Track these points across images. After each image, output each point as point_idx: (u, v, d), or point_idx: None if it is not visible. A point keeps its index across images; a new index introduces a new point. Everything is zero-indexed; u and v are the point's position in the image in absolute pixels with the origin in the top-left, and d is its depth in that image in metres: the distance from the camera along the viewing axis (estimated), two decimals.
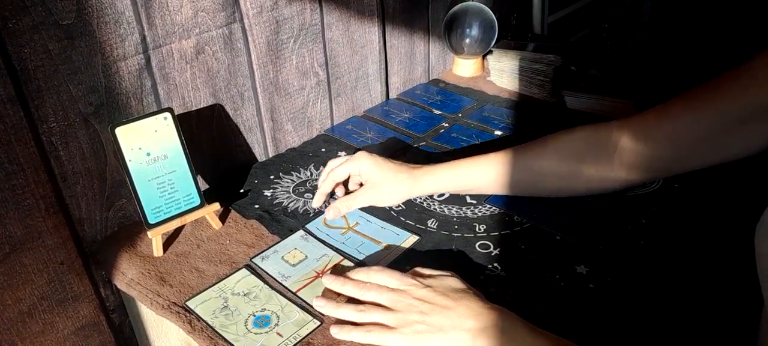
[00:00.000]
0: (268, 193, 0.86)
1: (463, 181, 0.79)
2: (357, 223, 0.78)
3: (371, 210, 0.80)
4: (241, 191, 0.86)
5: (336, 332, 0.60)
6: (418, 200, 0.83)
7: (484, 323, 0.56)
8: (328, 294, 0.65)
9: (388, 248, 0.73)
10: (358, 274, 0.64)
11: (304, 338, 0.61)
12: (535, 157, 0.75)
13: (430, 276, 0.63)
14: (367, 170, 0.79)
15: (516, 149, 0.76)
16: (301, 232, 0.76)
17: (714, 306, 0.63)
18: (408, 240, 0.74)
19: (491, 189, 0.79)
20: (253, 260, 0.72)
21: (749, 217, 0.70)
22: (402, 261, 0.70)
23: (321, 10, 0.96)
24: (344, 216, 0.80)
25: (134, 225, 0.79)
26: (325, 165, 0.85)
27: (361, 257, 0.71)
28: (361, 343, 0.59)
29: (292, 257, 0.72)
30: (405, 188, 0.79)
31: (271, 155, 0.97)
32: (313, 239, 0.75)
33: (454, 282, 0.61)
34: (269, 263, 0.71)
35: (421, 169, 0.79)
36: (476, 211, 0.80)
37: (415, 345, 0.57)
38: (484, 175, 0.78)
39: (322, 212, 0.80)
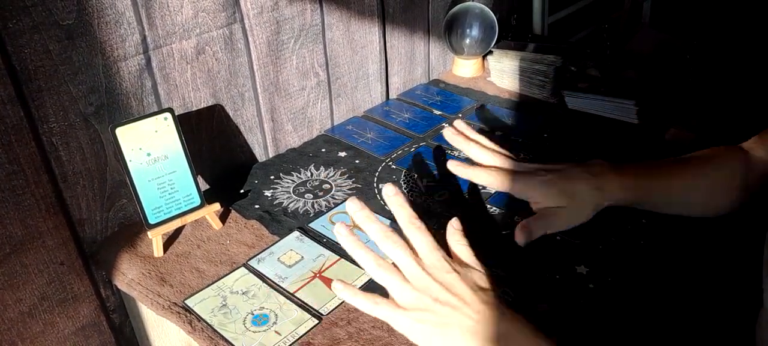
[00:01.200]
0: (268, 193, 0.86)
1: (654, 191, 0.71)
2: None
3: (375, 209, 0.80)
4: (242, 191, 0.87)
5: (339, 288, 0.57)
6: (418, 200, 0.83)
7: (489, 333, 0.52)
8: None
9: None
10: (400, 213, 0.59)
11: (302, 336, 0.61)
12: (712, 171, 0.71)
13: (460, 262, 0.58)
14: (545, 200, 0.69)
15: (691, 162, 0.72)
16: (296, 232, 0.76)
17: (714, 306, 0.63)
18: None
19: (679, 207, 0.72)
20: (249, 262, 0.72)
21: (748, 217, 0.70)
22: None
23: (321, 10, 0.96)
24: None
25: (134, 225, 0.79)
26: (325, 165, 0.85)
27: None
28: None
29: (287, 258, 0.72)
30: (590, 204, 0.69)
31: (271, 156, 0.97)
32: (308, 239, 0.75)
33: (481, 279, 0.56)
34: (265, 265, 0.71)
35: (606, 176, 0.70)
36: (476, 211, 0.80)
37: (416, 334, 0.54)
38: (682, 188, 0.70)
39: (324, 213, 0.80)
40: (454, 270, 0.55)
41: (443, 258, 0.57)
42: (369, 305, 0.56)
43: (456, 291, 0.54)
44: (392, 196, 0.60)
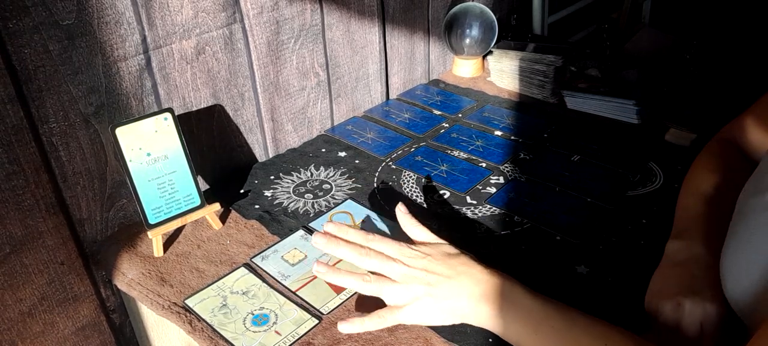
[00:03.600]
0: (268, 193, 0.86)
1: None
2: (363, 221, 0.78)
3: (376, 209, 0.81)
4: (242, 191, 0.87)
5: (346, 328, 0.60)
6: (418, 200, 0.83)
7: (485, 289, 0.58)
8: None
9: None
10: (356, 236, 0.64)
11: (302, 336, 0.61)
12: None
13: (423, 244, 0.64)
14: None
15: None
16: (301, 231, 0.76)
17: None
18: None
19: None
20: (252, 259, 0.72)
21: None
22: None
23: (321, 10, 0.96)
24: (350, 213, 0.80)
25: (134, 225, 0.79)
26: (325, 165, 0.84)
27: None
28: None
29: (291, 256, 0.72)
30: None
31: (271, 156, 0.97)
32: None
33: (449, 248, 0.63)
34: (269, 262, 0.71)
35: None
36: (476, 211, 0.80)
37: (427, 317, 0.59)
38: None
39: (325, 213, 0.80)
40: (425, 253, 0.61)
41: (411, 248, 0.62)
42: (377, 322, 0.60)
43: (439, 269, 0.60)
44: (336, 230, 0.65)
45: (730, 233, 0.56)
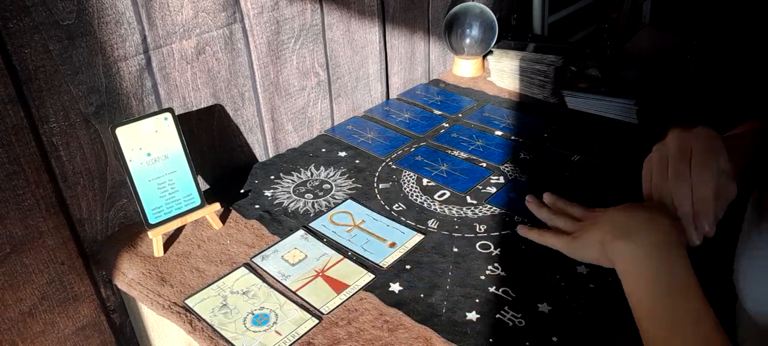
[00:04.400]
0: (268, 193, 0.86)
1: None
2: (363, 220, 0.78)
3: (375, 209, 0.81)
4: (242, 191, 0.87)
5: (524, 231, 0.70)
6: (418, 200, 0.83)
7: (656, 236, 0.55)
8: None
9: (393, 245, 0.73)
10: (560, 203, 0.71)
11: (302, 336, 0.61)
12: None
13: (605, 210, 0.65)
14: None
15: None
16: (301, 231, 0.76)
17: (713, 304, 0.62)
18: (413, 238, 0.74)
19: None
20: (253, 259, 0.72)
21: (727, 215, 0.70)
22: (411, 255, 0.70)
23: (321, 10, 0.96)
24: (350, 213, 0.80)
25: (135, 225, 0.79)
26: (325, 165, 0.84)
27: (366, 254, 0.72)
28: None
29: (291, 256, 0.72)
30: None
31: (271, 155, 0.97)
32: (313, 238, 0.75)
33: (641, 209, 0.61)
34: (269, 262, 0.71)
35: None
36: (477, 211, 0.80)
37: (581, 246, 0.62)
38: None
39: (325, 213, 0.80)
40: (604, 210, 0.63)
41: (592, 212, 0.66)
42: (553, 240, 0.65)
43: (618, 219, 0.60)
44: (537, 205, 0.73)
45: (751, 234, 0.54)
